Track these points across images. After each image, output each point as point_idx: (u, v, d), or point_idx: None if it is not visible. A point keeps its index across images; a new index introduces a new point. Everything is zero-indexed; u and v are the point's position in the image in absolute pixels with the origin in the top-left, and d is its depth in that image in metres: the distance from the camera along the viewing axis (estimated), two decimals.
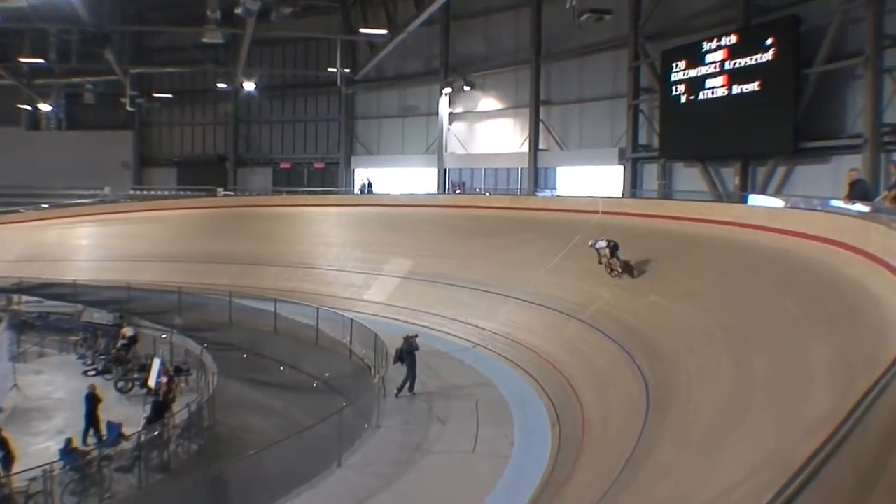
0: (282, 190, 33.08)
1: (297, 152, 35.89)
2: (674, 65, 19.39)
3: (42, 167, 35.40)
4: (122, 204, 31.71)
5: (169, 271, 24.98)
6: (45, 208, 31.84)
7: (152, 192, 34.98)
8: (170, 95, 36.04)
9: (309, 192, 31.29)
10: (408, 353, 13.51)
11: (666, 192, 20.55)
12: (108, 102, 36.41)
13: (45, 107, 36.46)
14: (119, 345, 18.16)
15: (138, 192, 35.29)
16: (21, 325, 20.81)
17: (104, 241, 28.33)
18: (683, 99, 19.04)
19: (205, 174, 35.53)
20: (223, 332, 18.41)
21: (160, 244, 26.93)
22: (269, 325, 17.93)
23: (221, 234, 26.77)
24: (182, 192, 34.19)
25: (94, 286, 23.18)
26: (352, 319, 16.17)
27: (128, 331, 18.63)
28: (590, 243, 15.42)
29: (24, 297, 22.75)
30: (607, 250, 15.02)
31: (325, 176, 34.56)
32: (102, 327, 20.33)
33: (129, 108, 33.93)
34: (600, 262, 15.15)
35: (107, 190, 34.55)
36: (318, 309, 17.25)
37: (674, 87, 19.40)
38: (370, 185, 31.03)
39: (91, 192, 34.58)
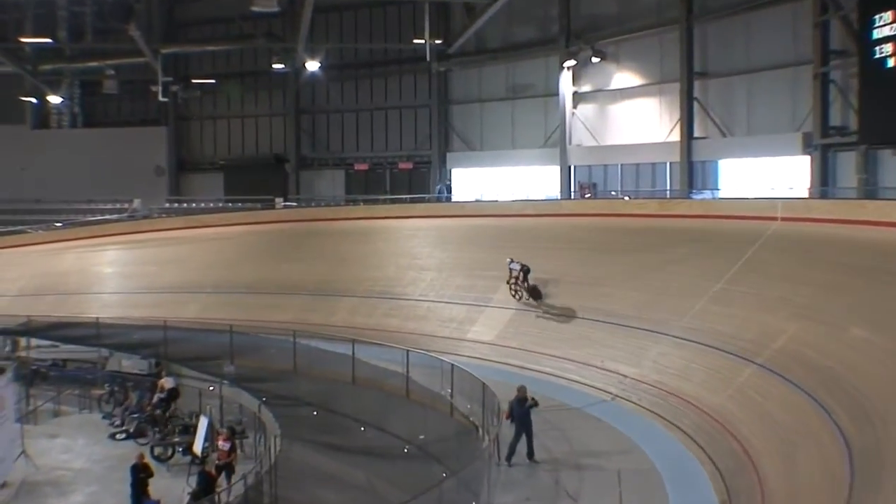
0: (358, 199, 34.66)
1: (377, 149, 37.42)
2: (877, 17, 18.88)
3: (53, 175, 38.54)
4: (156, 221, 33.91)
5: (217, 305, 26.71)
6: (58, 228, 34.52)
7: (193, 206, 37.44)
8: (212, 81, 37.95)
9: (393, 201, 32.58)
10: (521, 408, 14.05)
11: (869, 191, 20.14)
12: (135, 92, 39.20)
13: (54, 99, 39.01)
14: (155, 400, 19.52)
15: (176, 206, 37.84)
16: (31, 377, 22.77)
17: (134, 269, 30.52)
18: (891, 63, 18.57)
19: (259, 181, 37.44)
20: (287, 382, 19.50)
21: (205, 271, 28.82)
22: (345, 374, 18.73)
23: (282, 257, 28.45)
24: (231, 205, 36.33)
25: (123, 325, 24.82)
26: (452, 365, 16.65)
27: (166, 382, 20.09)
28: (507, 261, 22.05)
29: (34, 341, 24.76)
30: (521, 273, 21.61)
31: (412, 179, 35.92)
32: (134, 378, 21.96)
33: (161, 99, 35.99)
34: (508, 282, 22.04)
35: (136, 203, 37.12)
36: (407, 352, 17.85)
37: (877, 48, 18.92)
38: (448, 188, 32.04)
39: (116, 206, 37.41)
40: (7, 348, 25.50)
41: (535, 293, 21.69)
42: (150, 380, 21.23)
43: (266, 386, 19.05)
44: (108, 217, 35.63)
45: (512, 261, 22.13)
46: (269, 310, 25.46)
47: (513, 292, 22.10)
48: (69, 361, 24.07)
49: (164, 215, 35.40)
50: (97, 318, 24.84)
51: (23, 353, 24.58)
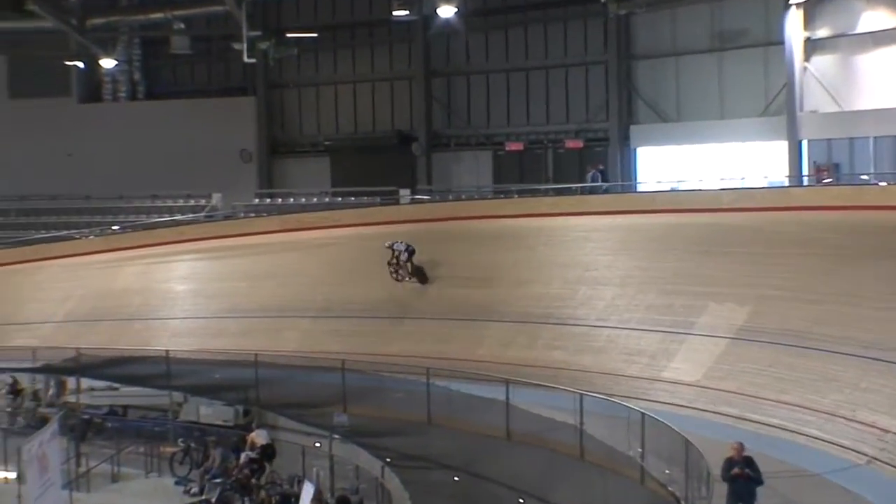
0: (510, 189, 34.68)
1: (535, 122, 37.75)
2: None
3: (107, 163, 40.49)
4: (242, 222, 34.89)
5: (324, 334, 27.46)
6: (115, 233, 36.07)
7: (291, 202, 38.70)
8: (313, 35, 38.58)
9: (558, 191, 32.65)
10: (737, 475, 14.09)
11: None
12: (213, 52, 41.07)
13: (107, 63, 40.40)
14: (244, 460, 20.39)
15: (268, 202, 39.12)
16: (82, 429, 24.29)
17: (215, 286, 31.44)
18: None
19: (377, 167, 38.41)
20: (418, 436, 19.98)
21: (307, 289, 29.51)
22: (496, 426, 19.03)
23: None
24: (340, 199, 37.47)
25: (201, 361, 25.90)
26: (642, 414, 16.76)
27: (258, 437, 20.94)
28: (386, 244, 27.60)
29: (86, 381, 26.10)
30: (405, 254, 27.44)
31: (583, 161, 35.95)
32: (216, 431, 22.93)
33: (246, 60, 36.65)
34: (389, 263, 27.59)
35: (215, 199, 38.76)
36: (581, 396, 18.03)
37: None
38: (602, 173, 31.69)
39: (190, 203, 39.23)
40: (51, 392, 27.06)
41: (420, 274, 27.33)
42: (238, 433, 22.24)
43: (390, 442, 19.68)
44: (179, 218, 37.17)
45: (395, 242, 27.55)
46: (392, 340, 26.04)
47: (393, 274, 27.74)
48: (131, 409, 25.62)
49: (252, 215, 36.41)
50: (167, 352, 25.71)
51: (71, 399, 26.04)
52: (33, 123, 41.44)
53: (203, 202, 38.93)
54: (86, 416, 25.24)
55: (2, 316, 31.90)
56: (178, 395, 24.73)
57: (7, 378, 27.35)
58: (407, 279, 27.64)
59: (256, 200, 39.32)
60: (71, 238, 35.87)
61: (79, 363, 26.03)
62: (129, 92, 42.64)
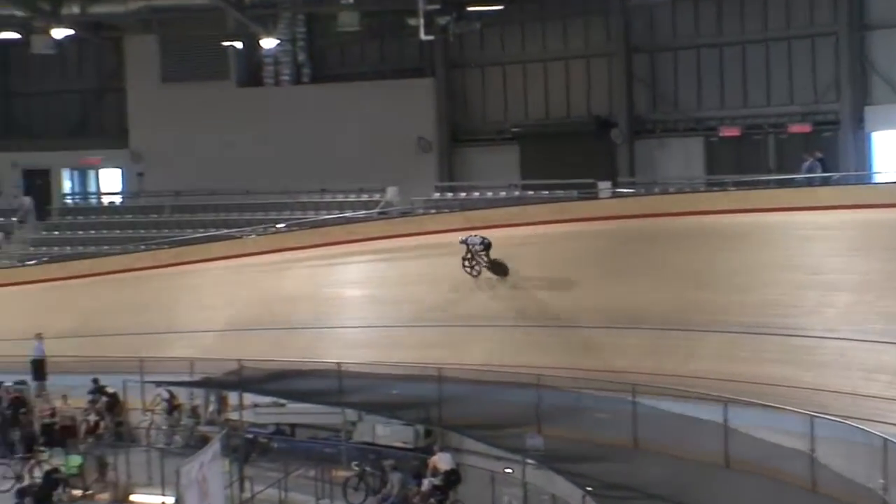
0: (726, 181, 34.59)
1: (754, 104, 37.48)
2: None
3: (269, 153, 42.10)
4: (421, 220, 35.77)
5: (514, 345, 27.83)
6: (280, 232, 37.32)
7: (476, 195, 39.24)
8: (499, 7, 39.11)
9: (780, 183, 32.50)
10: None
11: None
12: (386, 29, 41.94)
13: (268, 43, 41.54)
14: (426, 487, 20.87)
15: (449, 197, 39.98)
16: (245, 450, 24.92)
17: (391, 292, 31.98)
18: None
19: (572, 156, 38.63)
20: (622, 462, 20.00)
21: (494, 294, 30.12)
22: (712, 451, 19.19)
23: (610, 272, 29.12)
24: (531, 193, 37.87)
25: (377, 375, 26.28)
26: (884, 440, 16.66)
27: (441, 461, 21.31)
28: (461, 239, 30.08)
29: (250, 397, 26.83)
30: (481, 247, 29.93)
31: (809, 145, 35.08)
32: (394, 453, 23.39)
33: (423, 38, 37.56)
34: (464, 259, 30.23)
35: (390, 194, 39.68)
36: (811, 419, 17.97)
37: None
38: (822, 162, 30.82)
39: (362, 198, 40.28)
40: (212, 408, 28.07)
41: (498, 268, 29.85)
42: (418, 457, 22.73)
43: (591, 468, 19.71)
44: (350, 215, 38.14)
45: (469, 237, 30.02)
46: (591, 352, 26.27)
47: (468, 269, 30.26)
48: (300, 428, 26.19)
49: (432, 211, 37.25)
50: (338, 364, 26.30)
51: (233, 416, 26.83)
52: (187, 111, 43.56)
53: (377, 197, 39.83)
54: (250, 436, 25.90)
55: (157, 324, 33.32)
56: (351, 414, 25.19)
57: (164, 393, 28.40)
58: (481, 272, 30.05)
59: (436, 195, 40.09)
60: (231, 238, 37.26)
61: (241, 377, 26.67)
62: (293, 75, 44.03)
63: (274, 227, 38.18)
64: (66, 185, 48.48)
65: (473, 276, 30.22)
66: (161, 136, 44.22)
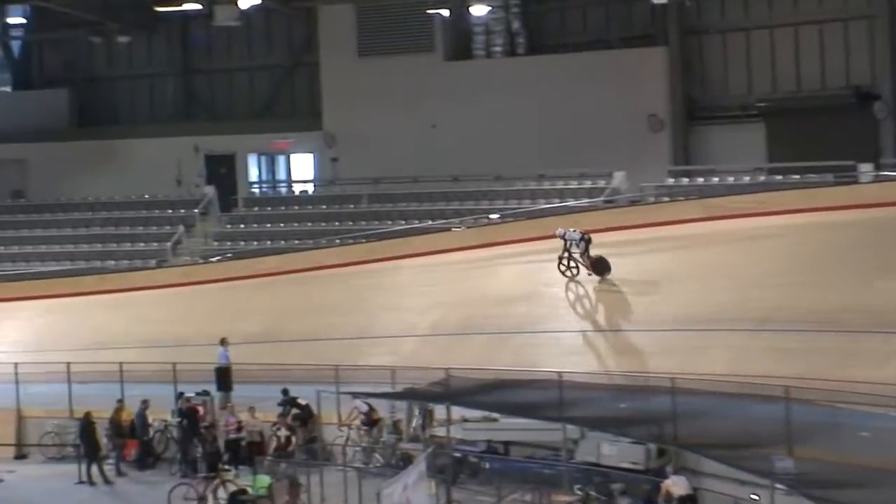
0: None
1: None
2: None
3: (479, 135, 42.57)
4: (651, 208, 36.21)
5: (760, 353, 27.59)
6: (491, 224, 38.05)
7: (714, 181, 39.03)
8: None
9: None
10: None
11: None
12: None
13: (479, 10, 42.61)
14: None
15: (685, 182, 39.83)
16: (453, 470, 25.24)
17: (616, 292, 32.22)
18: None
19: (828, 135, 38.23)
20: (889, 488, 19.50)
21: (738, 294, 29.77)
22: None
23: (875, 266, 28.80)
24: (779, 179, 37.64)
25: (603, 386, 26.50)
26: None
27: (676, 485, 21.39)
28: (558, 231, 31.85)
29: (458, 411, 26.97)
30: (582, 244, 31.58)
31: None
32: (623, 475, 23.44)
33: (655, 0, 38.74)
34: (560, 258, 32.15)
35: (617, 179, 39.98)
36: None
37: None
38: None
39: (585, 184, 40.45)
40: (415, 423, 28.35)
41: (599, 266, 31.51)
42: (650, 480, 22.66)
43: (851, 495, 19.30)
44: (571, 204, 38.44)
45: (567, 230, 31.56)
46: (851, 359, 25.86)
47: (564, 268, 32.22)
48: (514, 446, 26.33)
49: (665, 199, 37.39)
50: (559, 374, 26.06)
51: (440, 432, 27.15)
52: (387, 88, 44.51)
53: (602, 183, 40.05)
54: (458, 455, 26.13)
55: (353, 328, 34.16)
56: (573, 430, 25.17)
57: (362, 405, 28.86)
58: (579, 272, 31.85)
59: (670, 180, 40.01)
60: (436, 230, 38.00)
61: (449, 387, 26.87)
62: (507, 45, 44.42)
63: (485, 218, 38.73)
64: (253, 173, 50.03)
65: (568, 276, 32.23)
66: (358, 117, 45.16)
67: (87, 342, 36.10)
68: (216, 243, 43.81)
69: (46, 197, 49.21)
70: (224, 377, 31.68)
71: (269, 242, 42.50)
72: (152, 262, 42.85)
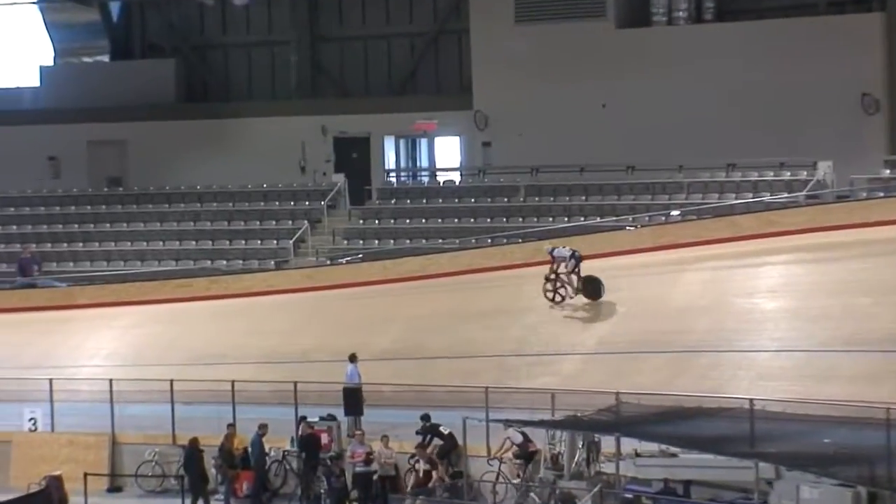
0: None
1: None
2: None
3: (658, 116, 42.82)
4: (863, 205, 36.16)
5: None
6: (671, 222, 38.30)
7: None
8: None
9: None
10: None
11: None
12: None
13: None
14: None
15: None
16: None
17: (821, 304, 32.15)
18: None
19: None
20: None
21: None
22: None
23: None
24: None
25: (802, 417, 25.91)
26: None
27: None
28: (547, 248, 33.92)
29: (628, 443, 26.40)
30: (571, 262, 33.57)
31: None
32: None
33: None
34: (547, 279, 34.33)
35: (822, 170, 39.67)
36: None
37: None
38: None
39: (783, 175, 40.39)
40: (579, 456, 27.70)
41: (590, 288, 33.06)
42: None
43: None
44: (768, 199, 38.79)
45: (555, 248, 32.94)
46: None
47: (550, 292, 33.78)
48: (696, 486, 25.77)
49: (879, 194, 37.20)
50: (750, 402, 25.99)
51: (608, 468, 26.82)
52: (549, 60, 44.97)
53: (804, 175, 39.81)
54: (629, 496, 25.95)
55: (507, 343, 34.45)
56: (766, 469, 24.98)
57: (515, 436, 28.79)
58: (571, 296, 32.88)
59: (885, 172, 39.65)
60: (606, 229, 38.19)
61: (619, 415, 26.84)
62: (692, 10, 44.64)
63: (664, 215, 38.98)
64: (390, 159, 50.78)
65: (555, 301, 33.99)
66: (514, 94, 45.65)
67: (194, 356, 36.86)
68: (346, 242, 44.52)
69: (148, 185, 50.39)
70: (353, 399, 31.75)
71: (407, 241, 42.99)
72: (271, 263, 43.78)
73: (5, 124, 52.73)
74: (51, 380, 34.24)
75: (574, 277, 33.60)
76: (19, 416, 34.46)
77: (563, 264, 33.14)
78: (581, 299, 34.15)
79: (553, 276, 33.20)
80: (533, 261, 36.49)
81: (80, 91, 53.82)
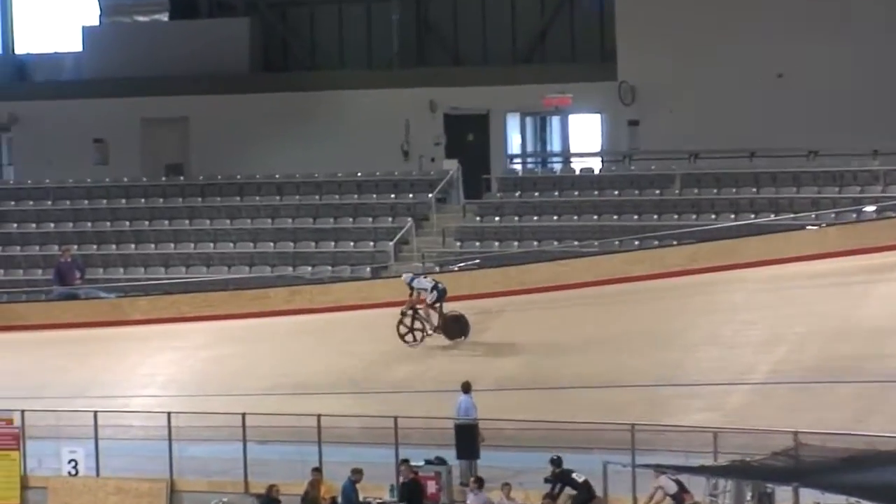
0: None
1: None
2: None
3: (848, 84, 43.24)
4: None
5: None
6: (867, 220, 38.30)
7: None
8: None
9: None
10: None
11: None
12: None
13: None
14: None
15: None
16: None
17: None
18: None
19: None
20: None
21: None
22: None
23: None
24: None
25: None
26: None
27: None
28: (405, 278, 36.57)
29: (810, 496, 25.81)
30: (433, 294, 35.73)
31: None
32: None
33: None
34: (403, 314, 36.48)
35: None
36: None
37: None
38: None
39: None
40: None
41: (453, 328, 34.86)
42: None
43: None
44: None
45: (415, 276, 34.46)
46: None
47: (405, 330, 35.98)
48: None
49: None
50: None
51: None
52: (712, 20, 45.56)
53: None
54: None
55: (657, 370, 34.52)
56: None
57: (669, 484, 28.62)
58: (429, 333, 34.79)
59: None
60: (783, 229, 38.48)
61: (798, 461, 26.77)
62: None
63: (856, 211, 39.04)
64: (514, 141, 51.20)
65: (409, 341, 36.42)
66: (668, 62, 46.17)
67: (271, 384, 37.18)
68: (459, 244, 44.80)
69: (215, 173, 51.00)
70: (467, 438, 31.77)
71: (535, 244, 43.24)
72: (366, 271, 44.17)
73: (41, 98, 53.57)
74: (95, 412, 34.32)
75: (433, 313, 35.24)
76: (57, 456, 34.67)
77: (421, 294, 34.63)
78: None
79: (410, 312, 34.88)
80: (692, 268, 36.95)
81: (133, 57, 54.53)
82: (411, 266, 42.84)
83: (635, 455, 29.27)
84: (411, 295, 35.31)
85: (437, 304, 35.52)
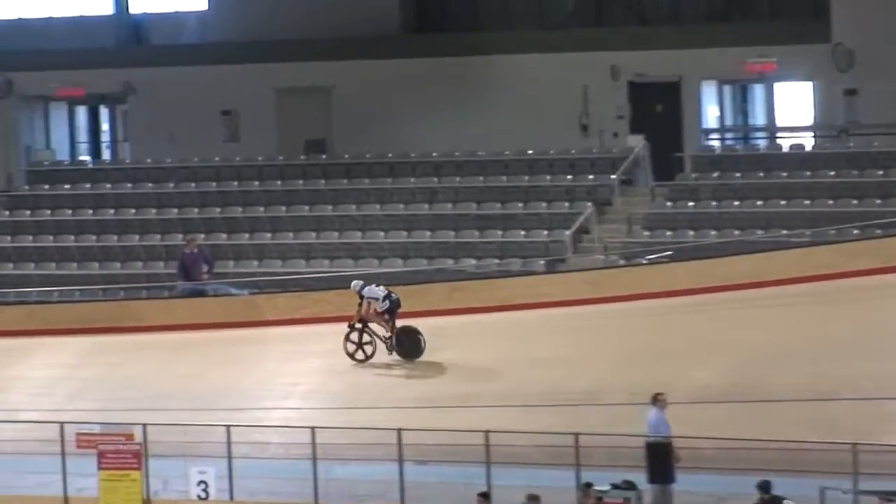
0: None
1: None
2: None
3: None
4: None
5: None
6: None
7: None
8: None
9: None
10: None
11: None
12: None
13: None
14: None
15: None
16: None
17: None
18: None
19: None
20: None
21: None
22: None
23: None
24: None
25: None
26: None
27: None
28: (355, 286, 38.27)
29: None
30: (383, 304, 37.29)
31: None
32: None
33: None
34: (351, 327, 38.30)
35: None
36: None
37: None
38: None
39: None
40: None
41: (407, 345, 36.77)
42: None
43: None
44: None
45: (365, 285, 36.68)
46: None
47: (353, 345, 37.76)
48: None
49: None
50: None
51: None
52: None
53: None
54: None
55: (886, 383, 34.02)
56: None
57: None
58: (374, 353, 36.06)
59: None
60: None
61: None
62: None
63: None
64: (711, 113, 51.20)
65: (358, 359, 38.08)
66: (894, 20, 45.68)
67: (425, 395, 37.49)
68: (647, 233, 44.99)
69: (363, 151, 51.47)
70: (660, 459, 31.21)
71: (736, 233, 43.24)
72: (539, 264, 44.29)
73: (162, 64, 54.08)
74: (228, 427, 34.01)
75: (384, 327, 36.39)
76: (185, 477, 34.49)
77: (371, 305, 35.90)
78: None
79: (359, 325, 36.20)
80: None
81: (266, 18, 54.71)
82: (591, 259, 43.02)
83: (857, 480, 28.75)
84: (360, 304, 36.44)
85: (388, 317, 36.34)
